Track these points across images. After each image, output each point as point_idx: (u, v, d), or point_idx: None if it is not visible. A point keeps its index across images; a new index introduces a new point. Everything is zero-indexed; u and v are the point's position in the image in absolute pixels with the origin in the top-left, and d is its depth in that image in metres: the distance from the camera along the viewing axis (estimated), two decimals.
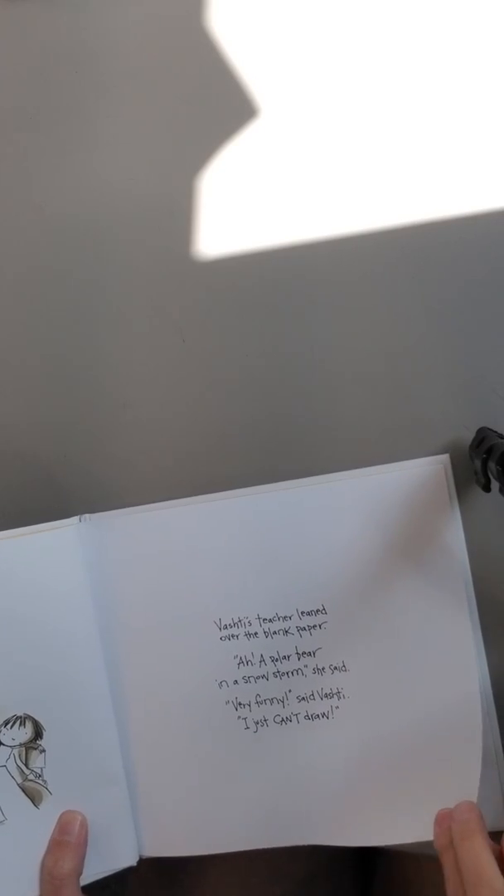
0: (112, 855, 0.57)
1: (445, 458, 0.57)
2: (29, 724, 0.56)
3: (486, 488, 0.54)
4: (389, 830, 0.56)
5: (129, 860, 0.57)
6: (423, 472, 0.56)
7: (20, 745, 0.56)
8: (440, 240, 0.58)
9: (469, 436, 0.57)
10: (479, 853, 0.47)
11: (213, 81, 0.60)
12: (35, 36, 0.61)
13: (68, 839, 0.55)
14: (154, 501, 0.58)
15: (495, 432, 0.55)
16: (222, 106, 0.60)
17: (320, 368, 0.59)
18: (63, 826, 0.56)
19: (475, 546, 0.56)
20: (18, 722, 0.56)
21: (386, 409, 0.59)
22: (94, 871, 0.56)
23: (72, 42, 0.60)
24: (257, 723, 0.57)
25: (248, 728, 0.57)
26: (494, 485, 0.53)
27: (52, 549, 0.56)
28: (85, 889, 0.55)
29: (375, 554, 0.56)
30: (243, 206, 0.59)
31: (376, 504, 0.56)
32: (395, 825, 0.56)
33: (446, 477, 0.56)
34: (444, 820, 0.52)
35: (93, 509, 0.58)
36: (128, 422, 0.60)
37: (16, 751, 0.56)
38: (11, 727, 0.56)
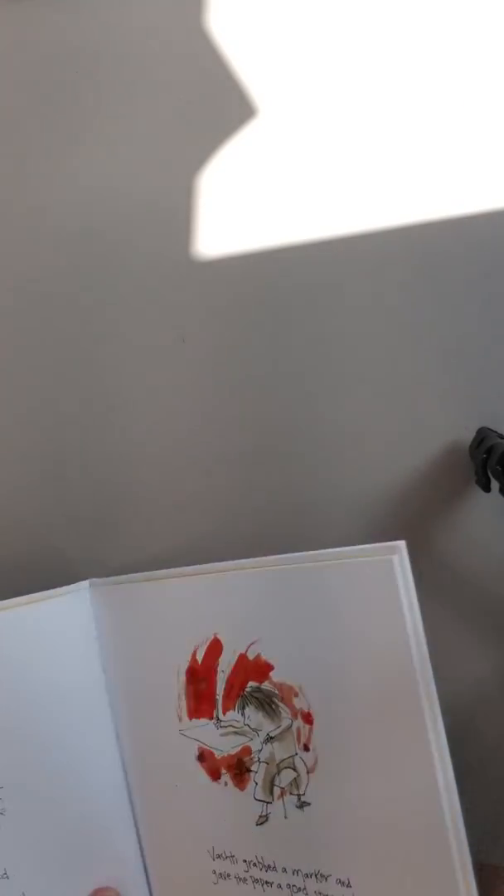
0: None
1: (400, 545, 0.48)
2: None
3: (487, 488, 0.54)
4: None
5: None
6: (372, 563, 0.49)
7: None
8: (440, 240, 0.58)
9: (469, 436, 0.57)
10: None
11: (213, 81, 0.59)
12: (35, 36, 0.61)
13: None
14: (153, 508, 0.59)
15: (495, 432, 0.55)
16: (222, 106, 0.59)
17: (320, 368, 0.59)
18: None
19: (475, 546, 0.57)
20: None
21: (386, 408, 0.59)
22: None
23: (72, 42, 0.60)
24: None
25: None
26: (494, 485, 0.53)
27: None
28: None
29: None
30: (243, 207, 0.59)
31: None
32: None
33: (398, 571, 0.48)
34: None
35: (90, 511, 0.59)
36: (127, 422, 0.61)
37: None
38: None
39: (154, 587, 0.57)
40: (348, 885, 0.51)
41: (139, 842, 0.58)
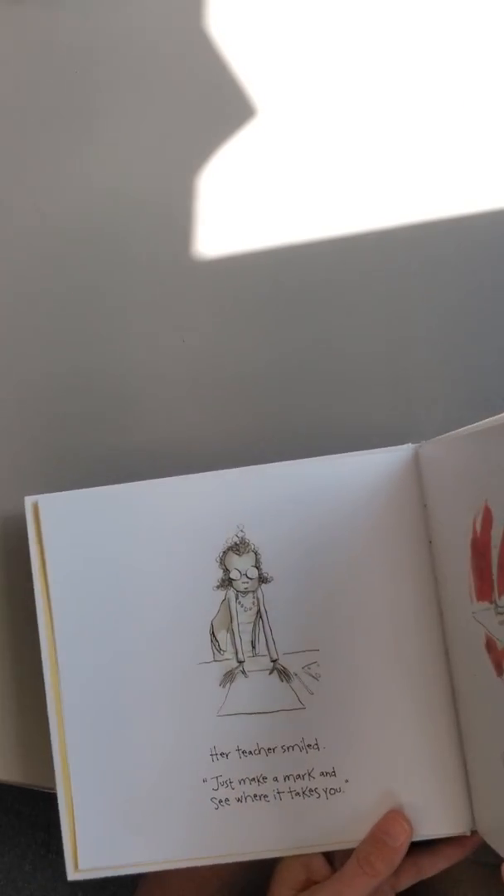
0: (443, 818, 0.52)
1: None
2: None
3: None
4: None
5: (462, 827, 0.52)
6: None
7: None
8: (439, 239, 0.58)
9: None
10: None
11: (213, 81, 0.59)
12: (35, 36, 0.60)
13: (392, 844, 0.50)
14: None
15: None
16: (221, 106, 0.59)
17: (320, 368, 0.59)
18: (388, 826, 0.51)
19: None
20: None
21: (386, 408, 0.59)
22: (421, 831, 0.52)
23: (72, 42, 0.60)
24: None
25: None
26: None
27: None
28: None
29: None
30: (243, 206, 0.59)
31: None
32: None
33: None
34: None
35: None
36: (128, 422, 0.59)
37: None
38: None
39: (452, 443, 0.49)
40: None
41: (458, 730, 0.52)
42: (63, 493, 0.54)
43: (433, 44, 0.59)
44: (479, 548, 0.46)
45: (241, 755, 0.52)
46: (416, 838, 0.51)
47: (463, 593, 0.48)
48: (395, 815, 0.51)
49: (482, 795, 0.51)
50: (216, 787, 0.52)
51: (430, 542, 0.53)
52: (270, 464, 0.54)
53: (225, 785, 0.52)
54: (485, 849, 0.51)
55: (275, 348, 0.59)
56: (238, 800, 0.51)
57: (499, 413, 0.48)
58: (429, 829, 0.51)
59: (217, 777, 0.52)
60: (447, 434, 0.50)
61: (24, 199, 0.61)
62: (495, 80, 0.58)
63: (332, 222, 0.59)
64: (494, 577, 0.45)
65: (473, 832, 0.52)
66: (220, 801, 0.52)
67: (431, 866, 0.53)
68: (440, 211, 0.58)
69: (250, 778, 0.52)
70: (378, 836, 0.50)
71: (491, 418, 0.45)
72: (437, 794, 0.51)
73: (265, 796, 0.52)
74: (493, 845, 0.50)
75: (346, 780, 0.52)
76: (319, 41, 0.59)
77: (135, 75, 0.60)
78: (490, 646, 0.46)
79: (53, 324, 0.60)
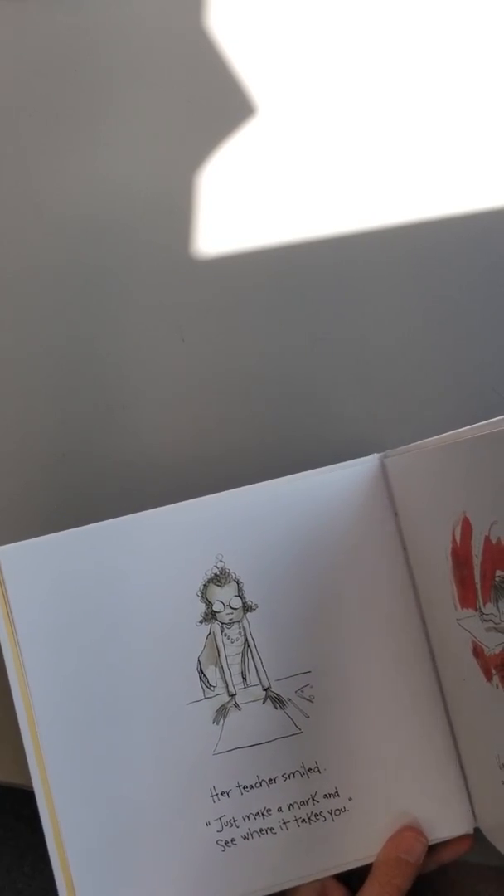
0: (447, 820, 0.53)
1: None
2: None
3: None
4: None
5: (465, 827, 0.53)
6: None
7: None
8: (440, 238, 0.58)
9: None
10: None
11: (212, 80, 0.59)
12: (35, 36, 0.60)
13: (409, 860, 0.50)
14: (151, 503, 0.53)
15: None
16: (221, 105, 0.59)
17: (320, 367, 0.59)
18: (405, 842, 0.51)
19: None
20: None
21: (386, 408, 0.59)
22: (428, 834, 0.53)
23: (72, 42, 0.60)
24: None
25: None
26: None
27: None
28: None
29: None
30: (243, 205, 0.59)
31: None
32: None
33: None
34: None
35: (89, 511, 0.55)
36: (127, 422, 0.59)
37: None
38: None
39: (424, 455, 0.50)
40: None
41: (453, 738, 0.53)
42: (24, 542, 0.52)
43: (433, 43, 0.58)
44: (460, 557, 0.47)
45: (243, 791, 0.51)
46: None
47: (446, 600, 0.49)
48: (410, 832, 0.51)
49: (481, 795, 0.51)
50: (220, 829, 0.51)
51: (405, 548, 0.53)
52: (242, 488, 0.53)
53: (229, 825, 0.51)
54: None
55: (275, 348, 0.60)
56: (244, 837, 0.51)
57: (500, 412, 0.49)
58: (436, 833, 0.52)
59: (220, 818, 0.51)
60: (416, 444, 0.51)
61: (24, 199, 0.61)
62: (495, 80, 0.58)
63: (331, 221, 0.59)
64: (478, 586, 0.46)
65: (476, 829, 0.53)
66: (227, 843, 0.51)
67: (433, 863, 0.54)
68: (440, 209, 0.58)
69: (254, 813, 0.51)
70: (396, 855, 0.50)
71: (462, 429, 0.45)
72: (439, 800, 0.52)
73: (271, 829, 0.51)
74: (495, 843, 0.51)
75: (350, 799, 0.52)
76: (319, 40, 0.59)
77: (135, 74, 0.60)
78: (478, 652, 0.47)
79: (52, 323, 0.60)
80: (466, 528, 0.45)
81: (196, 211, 0.60)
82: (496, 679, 0.46)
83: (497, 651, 0.45)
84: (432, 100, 0.58)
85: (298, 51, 0.59)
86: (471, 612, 0.47)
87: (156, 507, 0.52)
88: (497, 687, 0.46)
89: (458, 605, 0.48)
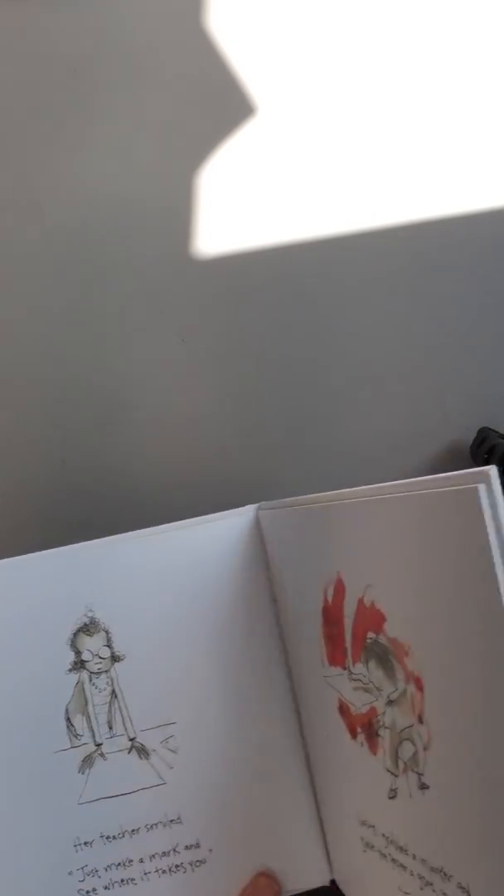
0: (304, 872, 0.54)
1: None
2: None
3: None
4: None
5: (322, 879, 0.54)
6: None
7: None
8: (440, 239, 0.58)
9: (470, 436, 0.56)
10: None
11: (212, 81, 0.59)
12: (35, 36, 0.60)
13: None
14: (150, 505, 0.56)
15: (496, 432, 0.55)
16: (221, 105, 0.59)
17: (320, 368, 0.59)
18: (258, 890, 0.52)
19: None
20: None
21: (386, 409, 0.59)
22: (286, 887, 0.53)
23: (71, 42, 0.60)
24: None
25: None
26: None
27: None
28: None
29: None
30: (242, 206, 0.59)
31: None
32: None
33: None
34: None
35: (92, 514, 0.57)
36: (127, 422, 0.59)
37: None
38: None
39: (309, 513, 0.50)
40: (468, 893, 0.41)
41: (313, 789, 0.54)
42: None
43: (433, 44, 0.59)
44: (332, 616, 0.48)
45: (105, 841, 0.51)
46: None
47: (314, 656, 0.50)
48: (264, 878, 0.52)
49: (338, 848, 0.53)
50: (82, 878, 0.51)
51: (275, 601, 0.54)
52: (115, 536, 0.53)
53: (91, 875, 0.51)
54: None
55: (275, 347, 0.60)
56: (105, 888, 0.51)
57: (500, 412, 0.55)
58: (292, 884, 0.53)
59: (83, 867, 0.51)
60: (288, 500, 0.52)
61: (24, 198, 0.60)
62: (495, 79, 0.58)
63: (330, 222, 0.60)
64: (348, 645, 0.47)
65: (332, 882, 0.54)
66: (88, 892, 0.51)
67: None
68: (440, 210, 0.58)
69: (116, 863, 0.51)
70: None
71: (342, 490, 0.46)
72: (297, 852, 0.53)
73: (132, 880, 0.51)
74: (348, 894, 0.52)
75: (210, 850, 0.52)
76: (319, 40, 0.59)
77: (134, 75, 0.60)
78: (343, 709, 0.48)
79: (52, 323, 0.60)
80: (340, 588, 0.47)
81: (196, 211, 0.60)
82: (361, 737, 0.47)
83: (364, 710, 0.46)
84: (432, 100, 0.59)
85: (298, 51, 0.59)
86: (339, 669, 0.48)
87: (155, 508, 0.55)
88: (362, 745, 0.47)
89: (326, 662, 0.49)
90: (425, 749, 0.42)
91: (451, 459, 0.55)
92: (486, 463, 0.50)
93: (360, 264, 0.59)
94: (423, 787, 0.42)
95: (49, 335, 0.60)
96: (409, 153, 0.58)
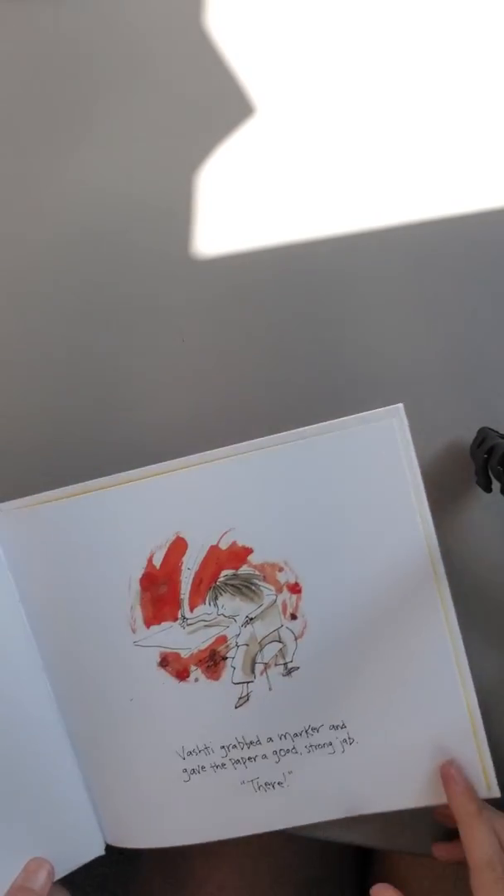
0: (80, 848, 0.55)
1: (397, 408, 0.50)
2: None
3: (487, 489, 0.53)
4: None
5: (97, 851, 0.56)
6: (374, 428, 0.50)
7: None
8: (440, 238, 0.58)
9: (469, 436, 0.56)
10: None
11: (212, 80, 0.59)
12: (35, 36, 0.60)
13: (31, 887, 0.52)
14: None
15: (496, 432, 0.54)
16: (221, 105, 0.59)
17: (320, 368, 0.58)
18: (28, 874, 0.53)
19: (476, 546, 0.57)
20: None
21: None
22: (64, 866, 0.54)
23: (72, 42, 0.60)
24: None
25: None
26: (495, 485, 0.52)
27: None
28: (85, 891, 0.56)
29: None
30: (242, 206, 0.59)
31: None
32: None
33: (399, 431, 0.50)
34: (455, 783, 0.52)
35: None
36: (127, 422, 0.59)
37: None
38: None
39: (74, 503, 0.52)
40: (343, 727, 0.53)
41: (84, 780, 0.55)
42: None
43: (433, 44, 0.57)
44: (157, 579, 0.51)
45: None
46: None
47: (114, 634, 0.52)
48: (31, 863, 0.54)
49: (127, 808, 0.56)
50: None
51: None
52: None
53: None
54: None
55: (274, 348, 0.58)
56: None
57: (500, 412, 0.56)
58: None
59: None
60: (98, 480, 0.52)
61: (23, 198, 0.60)
62: (495, 79, 0.57)
63: (330, 221, 0.57)
64: (185, 595, 0.51)
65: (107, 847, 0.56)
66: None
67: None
68: (440, 210, 0.56)
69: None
70: (20, 884, 0.53)
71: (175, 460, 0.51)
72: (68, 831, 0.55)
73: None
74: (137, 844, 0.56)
75: None
76: (318, 40, 0.58)
77: (134, 75, 0.59)
78: (167, 661, 0.52)
79: (52, 323, 0.59)
80: (178, 546, 0.50)
81: (195, 211, 0.59)
82: (196, 673, 0.52)
83: (204, 646, 0.52)
84: (432, 100, 0.57)
85: (297, 51, 0.58)
86: (166, 625, 0.51)
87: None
88: (196, 680, 0.52)
89: (143, 627, 0.51)
90: (298, 638, 0.52)
91: (451, 459, 0.55)
92: (486, 463, 0.50)
93: (359, 264, 0.56)
94: (292, 670, 0.52)
95: (48, 335, 0.59)
96: (409, 153, 0.57)
